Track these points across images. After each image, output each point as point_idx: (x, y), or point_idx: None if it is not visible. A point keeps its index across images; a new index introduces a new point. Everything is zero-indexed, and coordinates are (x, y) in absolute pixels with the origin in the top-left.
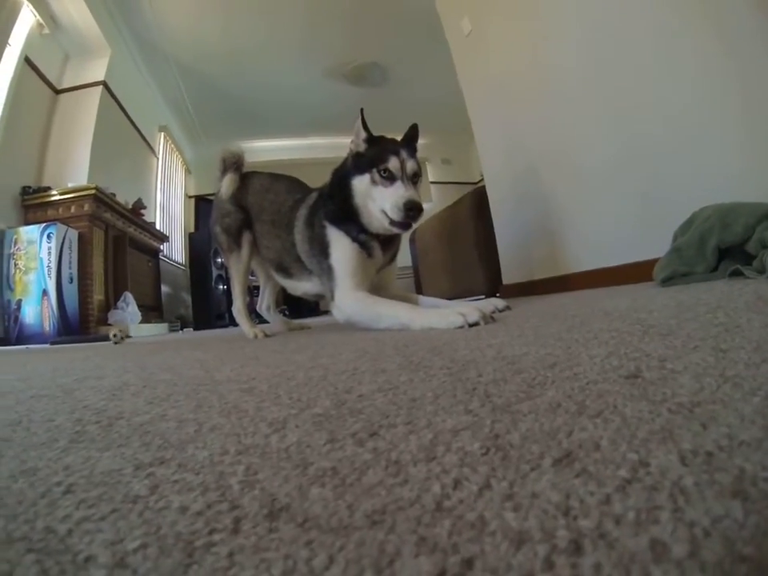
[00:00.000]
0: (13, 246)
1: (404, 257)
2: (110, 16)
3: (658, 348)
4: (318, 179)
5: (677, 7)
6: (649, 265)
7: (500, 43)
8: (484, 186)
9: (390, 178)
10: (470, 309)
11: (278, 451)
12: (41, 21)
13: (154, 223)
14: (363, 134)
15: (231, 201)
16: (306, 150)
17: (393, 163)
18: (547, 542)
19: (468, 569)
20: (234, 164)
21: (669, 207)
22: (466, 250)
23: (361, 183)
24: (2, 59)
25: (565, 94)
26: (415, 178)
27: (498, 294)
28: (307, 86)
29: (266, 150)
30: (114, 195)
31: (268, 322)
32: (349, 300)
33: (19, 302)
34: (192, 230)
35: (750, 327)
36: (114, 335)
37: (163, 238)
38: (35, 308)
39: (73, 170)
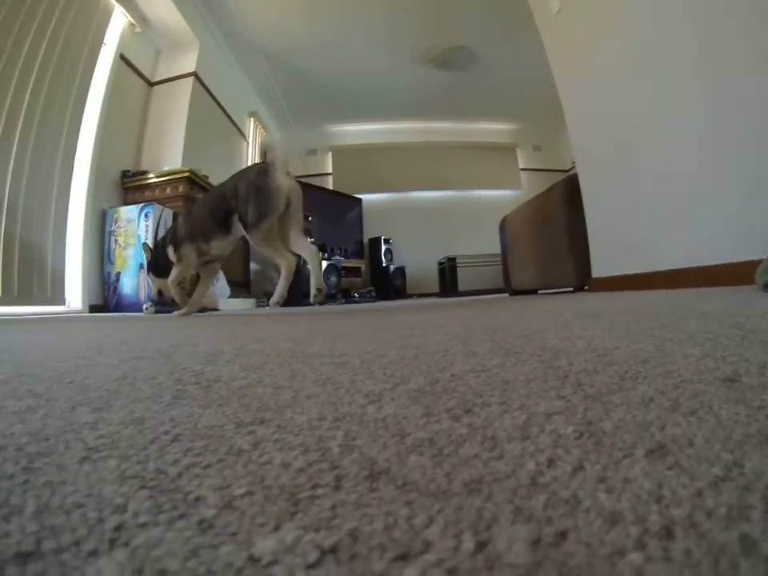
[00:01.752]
0: (113, 224)
1: (492, 245)
2: (197, 12)
3: (757, 354)
4: (408, 163)
5: None
6: (749, 266)
7: (592, 20)
8: (576, 174)
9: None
10: None
11: (375, 421)
12: (132, 21)
13: None
14: None
15: None
16: (395, 134)
17: None
18: (639, 524)
19: (562, 540)
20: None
21: None
22: (555, 240)
23: None
24: (99, 58)
25: (664, 73)
26: None
27: (586, 288)
28: (394, 72)
29: (356, 134)
30: (207, 177)
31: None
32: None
33: (118, 274)
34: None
35: None
36: (146, 308)
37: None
38: (132, 280)
39: (168, 155)
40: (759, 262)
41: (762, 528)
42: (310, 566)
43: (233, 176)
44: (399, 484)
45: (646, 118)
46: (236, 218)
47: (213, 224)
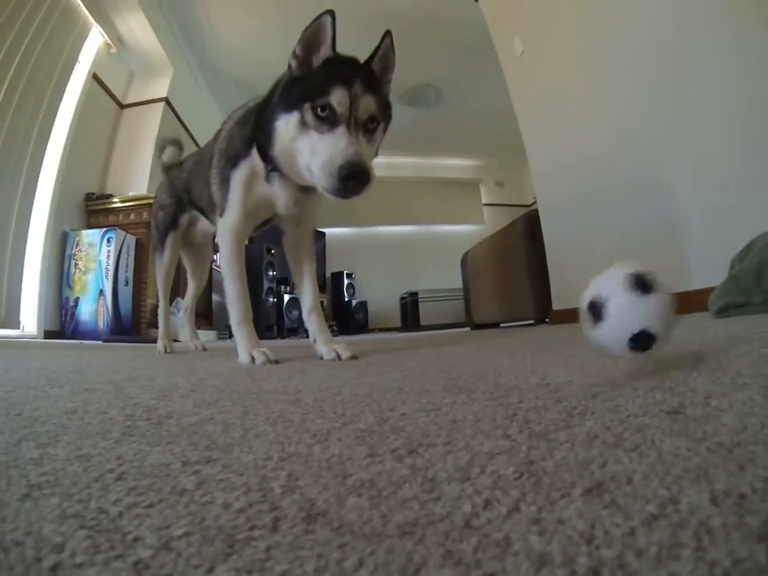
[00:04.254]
0: (74, 247)
1: (455, 279)
2: (174, 37)
3: (704, 383)
4: (373, 198)
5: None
6: (704, 294)
7: (553, 64)
8: (537, 210)
9: (330, 120)
10: (260, 352)
11: (320, 461)
12: (108, 41)
13: None
14: (329, 40)
15: (168, 191)
16: None
17: (338, 97)
18: (567, 566)
19: None
20: (172, 140)
21: (727, 232)
22: (516, 275)
23: (287, 126)
24: (72, 75)
25: (619, 115)
26: (371, 124)
27: (547, 320)
28: None
29: None
30: None
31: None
32: (224, 240)
33: (77, 299)
34: (246, 242)
35: None
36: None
37: (216, 248)
38: (91, 306)
39: (134, 180)
40: (712, 289)
41: (691, 567)
42: None
43: None
44: (335, 526)
45: (605, 159)
46: None
47: None
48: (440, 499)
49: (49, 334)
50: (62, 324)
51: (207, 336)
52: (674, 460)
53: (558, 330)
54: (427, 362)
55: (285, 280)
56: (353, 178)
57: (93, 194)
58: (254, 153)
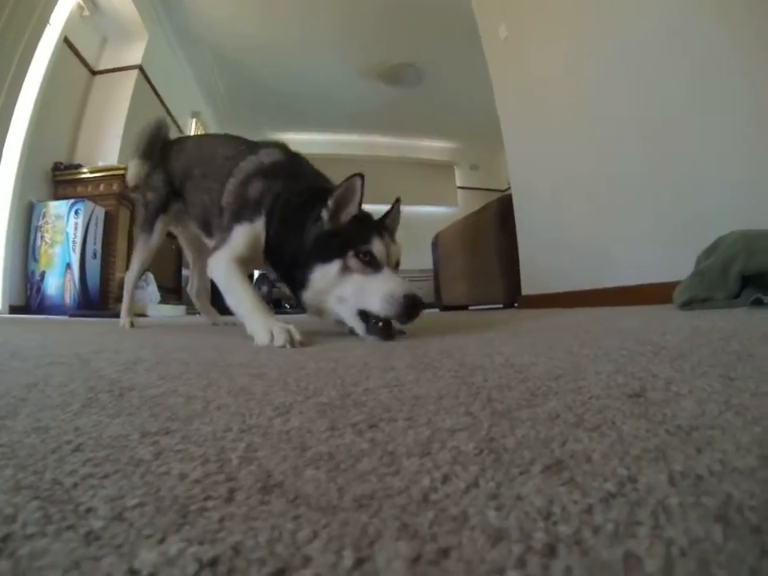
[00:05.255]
0: (41, 218)
1: (425, 259)
2: (150, 1)
3: (665, 370)
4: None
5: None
6: (670, 287)
7: (536, 51)
8: (510, 195)
9: (372, 264)
10: (281, 329)
11: (280, 433)
12: (81, 3)
13: None
14: (357, 200)
15: (161, 174)
16: (339, 145)
17: (378, 246)
18: (523, 542)
19: (443, 557)
20: (149, 141)
21: (694, 230)
22: (487, 258)
23: (325, 275)
24: (42, 38)
25: (598, 106)
26: (395, 268)
27: (515, 305)
28: (342, 83)
29: (297, 144)
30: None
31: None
32: (220, 265)
33: (43, 273)
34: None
35: (763, 357)
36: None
37: None
38: (58, 280)
39: (104, 150)
40: (678, 283)
41: (647, 545)
42: None
43: None
44: (291, 498)
45: (581, 148)
46: None
47: None
48: (398, 473)
49: (14, 309)
50: (28, 299)
51: (177, 311)
52: (633, 440)
53: (526, 314)
54: (394, 340)
55: None
56: (414, 306)
57: (61, 163)
58: (261, 221)
